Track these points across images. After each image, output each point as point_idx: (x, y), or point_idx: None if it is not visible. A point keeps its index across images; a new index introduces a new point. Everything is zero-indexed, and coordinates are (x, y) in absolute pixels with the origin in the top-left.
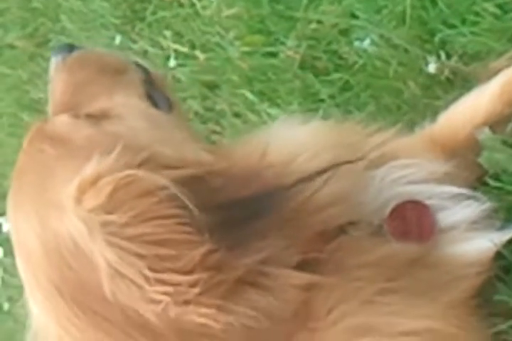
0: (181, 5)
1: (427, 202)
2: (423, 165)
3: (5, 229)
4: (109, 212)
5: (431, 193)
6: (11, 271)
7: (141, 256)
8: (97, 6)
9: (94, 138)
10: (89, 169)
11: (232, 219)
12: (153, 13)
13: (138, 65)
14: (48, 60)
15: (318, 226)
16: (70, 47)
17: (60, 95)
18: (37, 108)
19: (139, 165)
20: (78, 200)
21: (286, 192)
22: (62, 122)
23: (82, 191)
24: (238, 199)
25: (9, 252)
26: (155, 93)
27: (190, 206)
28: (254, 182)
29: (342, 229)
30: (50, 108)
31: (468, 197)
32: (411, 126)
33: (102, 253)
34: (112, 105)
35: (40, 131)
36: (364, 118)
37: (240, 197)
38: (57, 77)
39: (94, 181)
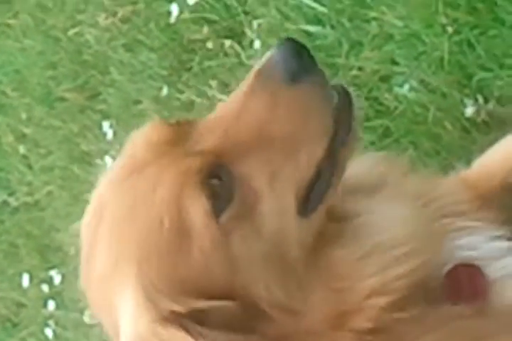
0: (227, 55)
1: (477, 262)
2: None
3: (56, 281)
4: None
5: (479, 253)
6: (63, 324)
7: None
8: (144, 58)
9: None
10: None
11: None
12: (200, 63)
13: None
14: (97, 112)
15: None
16: (304, 68)
17: (242, 127)
18: (87, 160)
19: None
20: None
21: None
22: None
23: None
24: None
25: (61, 305)
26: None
27: None
28: None
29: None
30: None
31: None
32: (448, 171)
33: None
34: (265, 196)
35: None
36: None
37: None
38: (259, 102)
39: None
